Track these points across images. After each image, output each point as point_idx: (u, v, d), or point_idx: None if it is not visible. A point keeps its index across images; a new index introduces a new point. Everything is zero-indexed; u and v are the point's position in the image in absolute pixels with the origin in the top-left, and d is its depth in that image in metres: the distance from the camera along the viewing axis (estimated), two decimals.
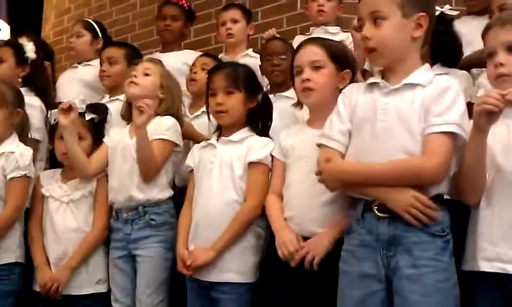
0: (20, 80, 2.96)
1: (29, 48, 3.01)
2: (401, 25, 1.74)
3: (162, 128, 2.42)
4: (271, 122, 2.36)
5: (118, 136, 2.52)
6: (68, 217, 2.49)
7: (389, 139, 1.72)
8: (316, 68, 2.04)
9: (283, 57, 2.77)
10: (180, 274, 2.25)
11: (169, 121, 2.45)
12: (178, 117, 2.53)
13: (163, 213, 2.40)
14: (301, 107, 2.26)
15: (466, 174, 1.74)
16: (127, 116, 2.56)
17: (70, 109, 2.38)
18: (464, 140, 1.70)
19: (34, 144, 2.73)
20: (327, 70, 2.04)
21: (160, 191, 2.40)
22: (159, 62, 2.67)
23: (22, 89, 2.79)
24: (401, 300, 1.66)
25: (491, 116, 1.65)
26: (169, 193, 2.44)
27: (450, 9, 2.43)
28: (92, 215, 2.52)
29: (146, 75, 2.53)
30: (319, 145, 1.88)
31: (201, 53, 3.25)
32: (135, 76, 2.52)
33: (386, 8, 1.74)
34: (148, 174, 2.37)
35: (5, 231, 2.44)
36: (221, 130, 2.33)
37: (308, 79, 2.03)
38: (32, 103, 2.83)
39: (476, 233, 1.75)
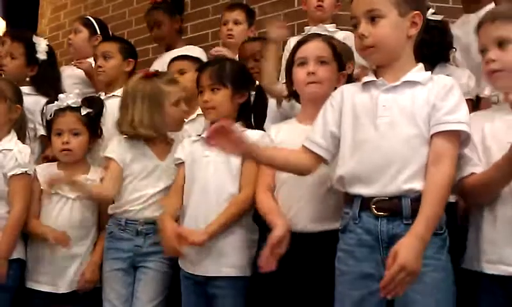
0: (28, 79, 2.98)
1: (41, 49, 3.03)
2: (398, 23, 1.75)
3: None
4: (265, 117, 2.35)
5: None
6: (74, 214, 2.47)
7: (394, 134, 1.71)
8: (321, 62, 2.05)
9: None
10: (176, 274, 2.27)
11: None
12: None
13: None
14: (289, 100, 2.26)
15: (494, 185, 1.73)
16: None
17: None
18: (468, 135, 1.71)
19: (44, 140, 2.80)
20: (331, 67, 2.06)
21: None
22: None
23: (28, 88, 2.86)
24: (402, 299, 1.65)
25: None
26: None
27: (433, 13, 2.44)
28: (93, 213, 2.53)
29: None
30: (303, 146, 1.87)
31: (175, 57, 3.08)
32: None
33: (383, 7, 1.74)
34: None
35: (19, 232, 2.42)
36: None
37: (313, 73, 2.03)
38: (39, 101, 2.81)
39: (478, 234, 1.76)
